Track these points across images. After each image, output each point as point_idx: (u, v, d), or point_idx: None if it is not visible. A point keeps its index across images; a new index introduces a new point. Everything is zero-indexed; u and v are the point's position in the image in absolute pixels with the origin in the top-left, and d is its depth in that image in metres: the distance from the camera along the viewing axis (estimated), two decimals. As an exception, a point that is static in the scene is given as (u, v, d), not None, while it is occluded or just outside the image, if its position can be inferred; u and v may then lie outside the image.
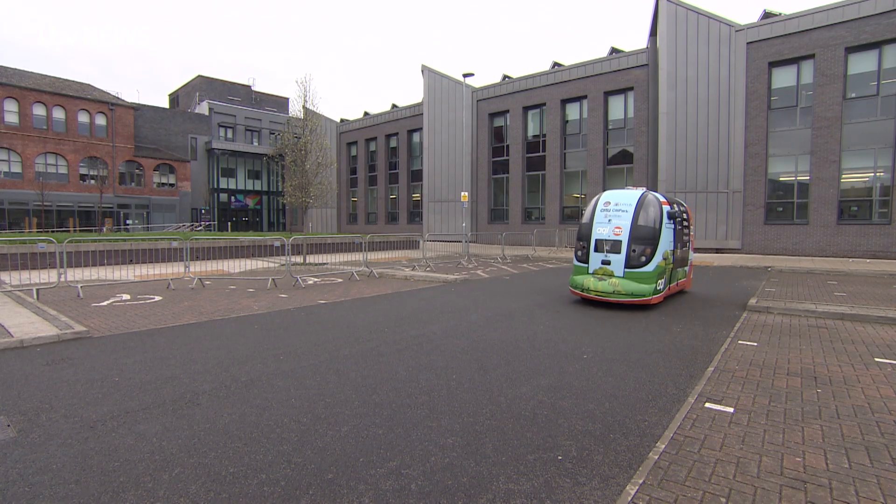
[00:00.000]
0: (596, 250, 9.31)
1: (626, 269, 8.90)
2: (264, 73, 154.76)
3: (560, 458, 3.28)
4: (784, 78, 20.66)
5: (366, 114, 40.47)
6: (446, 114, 31.70)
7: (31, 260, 14.04)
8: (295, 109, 28.36)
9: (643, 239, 8.96)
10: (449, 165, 31.73)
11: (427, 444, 3.47)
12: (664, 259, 9.05)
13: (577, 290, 9.61)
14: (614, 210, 9.33)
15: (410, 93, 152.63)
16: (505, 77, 30.20)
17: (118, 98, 37.59)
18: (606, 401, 4.34)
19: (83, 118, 35.19)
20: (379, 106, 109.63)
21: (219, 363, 5.47)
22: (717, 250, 21.75)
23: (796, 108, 20.40)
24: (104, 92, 37.48)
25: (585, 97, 26.37)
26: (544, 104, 28.03)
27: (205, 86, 48.06)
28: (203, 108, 45.15)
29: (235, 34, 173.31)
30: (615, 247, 9.08)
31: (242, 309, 8.92)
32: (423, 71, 32.38)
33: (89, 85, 38.04)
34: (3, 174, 31.97)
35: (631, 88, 24.89)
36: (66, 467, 3.14)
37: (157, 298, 9.98)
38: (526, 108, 29.00)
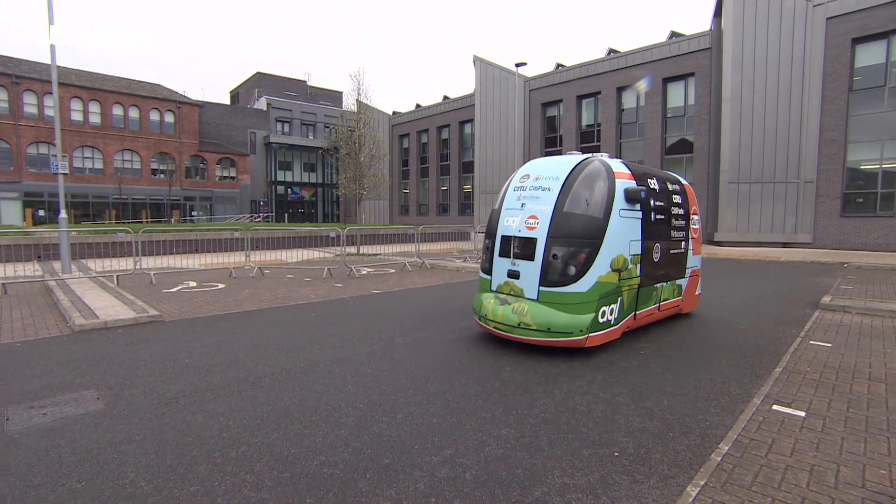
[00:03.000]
0: (501, 254, 5.91)
1: (543, 288, 5.48)
2: (318, 68, 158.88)
3: (617, 454, 3.21)
4: (870, 55, 18.95)
5: (418, 106, 40.74)
6: (498, 104, 31.40)
7: (111, 248, 15.20)
8: (349, 103, 29.00)
9: (573, 236, 5.48)
10: (500, 156, 31.45)
11: (481, 434, 3.49)
12: (617, 270, 5.63)
13: (477, 319, 6.25)
14: (532, 188, 5.87)
15: (462, 84, 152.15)
16: (558, 66, 29.51)
17: (185, 96, 39.76)
18: (664, 398, 4.20)
19: (154, 116, 37.51)
20: (431, 98, 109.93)
21: (279, 348, 5.72)
22: (785, 244, 20.43)
23: (884, 89, 18.69)
24: (172, 91, 39.73)
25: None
26: (599, 93, 27.20)
27: (263, 82, 49.96)
28: (261, 104, 46.97)
29: (288, 32, 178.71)
30: (527, 248, 5.64)
31: (300, 297, 9.27)
32: (474, 61, 32.18)
33: (159, 85, 40.43)
34: (88, 171, 34.70)
35: (692, 74, 23.70)
36: (146, 439, 3.39)
37: (221, 286, 10.54)
38: (580, 97, 28.24)
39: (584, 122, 28.56)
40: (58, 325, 6.90)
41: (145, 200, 37.16)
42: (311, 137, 48.45)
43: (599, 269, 5.46)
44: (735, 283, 11.39)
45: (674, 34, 25.29)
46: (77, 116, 34.01)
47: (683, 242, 7.20)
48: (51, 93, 31.67)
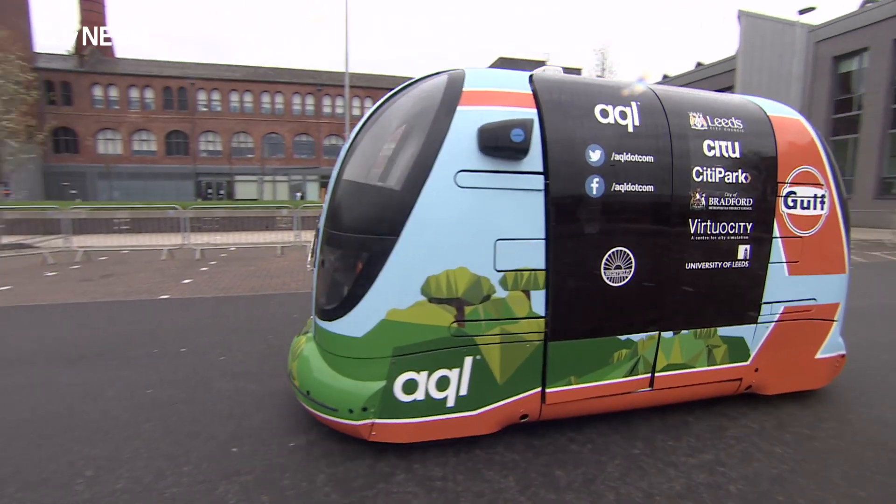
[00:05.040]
0: (312, 253, 3.56)
1: (317, 319, 3.08)
2: (558, 46, 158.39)
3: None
4: None
5: (665, 77, 37.20)
6: (767, 64, 26.28)
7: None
8: (589, 79, 28.20)
9: (347, 228, 2.85)
10: (766, 127, 26.43)
11: (746, 444, 3.04)
12: (445, 301, 2.67)
13: None
14: (349, 143, 3.21)
15: (717, 49, 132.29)
16: (865, 2, 22.97)
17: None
18: None
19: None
20: (680, 66, 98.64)
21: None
22: None
23: None
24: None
25: None
26: (932, 32, 20.23)
27: (505, 66, 52.38)
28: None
29: (529, 15, 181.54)
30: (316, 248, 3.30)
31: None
32: (738, 17, 27.50)
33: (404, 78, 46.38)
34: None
35: None
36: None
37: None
38: (897, 42, 21.50)
39: (902, 76, 21.68)
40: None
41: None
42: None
43: (389, 295, 2.68)
44: None
45: None
46: (356, 112, 41.56)
47: (745, 248, 3.23)
48: (342, 95, 39.49)
